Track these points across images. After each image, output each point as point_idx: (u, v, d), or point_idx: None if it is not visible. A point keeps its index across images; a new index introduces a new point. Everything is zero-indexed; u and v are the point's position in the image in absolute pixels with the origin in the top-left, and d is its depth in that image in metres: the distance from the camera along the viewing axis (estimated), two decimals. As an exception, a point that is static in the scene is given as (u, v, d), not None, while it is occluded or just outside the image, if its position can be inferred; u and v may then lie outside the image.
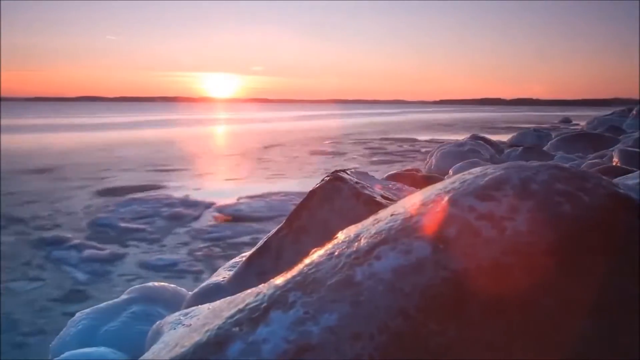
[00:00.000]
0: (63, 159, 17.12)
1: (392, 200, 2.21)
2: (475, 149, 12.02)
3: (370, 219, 1.14)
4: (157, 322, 1.88)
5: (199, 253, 6.91)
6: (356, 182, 2.24)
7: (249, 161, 17.09)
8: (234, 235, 7.64)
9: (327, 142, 24.00)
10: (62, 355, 2.57)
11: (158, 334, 1.69)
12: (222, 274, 2.47)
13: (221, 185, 12.70)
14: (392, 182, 2.65)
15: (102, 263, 6.60)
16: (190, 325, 1.61)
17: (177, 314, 1.76)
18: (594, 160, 8.08)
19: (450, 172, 9.27)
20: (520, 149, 12.38)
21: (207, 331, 0.92)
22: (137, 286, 3.58)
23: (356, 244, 1.02)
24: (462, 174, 1.22)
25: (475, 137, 14.12)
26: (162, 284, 3.56)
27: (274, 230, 2.40)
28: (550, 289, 0.93)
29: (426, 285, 0.89)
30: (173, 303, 3.47)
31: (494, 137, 16.40)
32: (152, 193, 10.83)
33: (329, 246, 1.09)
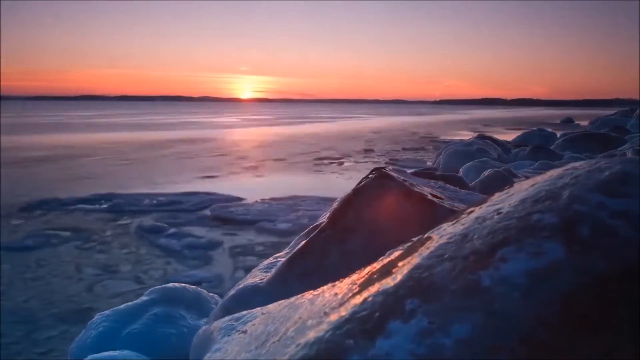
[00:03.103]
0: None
1: (442, 199, 2.10)
2: (483, 149, 11.94)
3: (472, 216, 1.04)
4: (204, 327, 1.77)
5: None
6: (404, 180, 2.13)
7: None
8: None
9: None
10: (85, 359, 2.46)
11: (209, 340, 1.58)
12: (259, 276, 2.36)
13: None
14: (433, 180, 2.55)
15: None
16: (246, 331, 1.50)
17: (226, 318, 1.65)
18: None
19: (461, 171, 9.17)
20: (528, 148, 12.30)
21: (313, 344, 0.81)
22: (157, 287, 3.45)
23: (468, 244, 0.92)
24: (563, 168, 1.12)
25: (482, 137, 14.04)
26: (183, 284, 3.43)
27: (314, 230, 2.29)
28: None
29: (567, 292, 0.79)
30: (195, 305, 3.35)
31: (498, 137, 16.31)
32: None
33: (430, 247, 0.98)
